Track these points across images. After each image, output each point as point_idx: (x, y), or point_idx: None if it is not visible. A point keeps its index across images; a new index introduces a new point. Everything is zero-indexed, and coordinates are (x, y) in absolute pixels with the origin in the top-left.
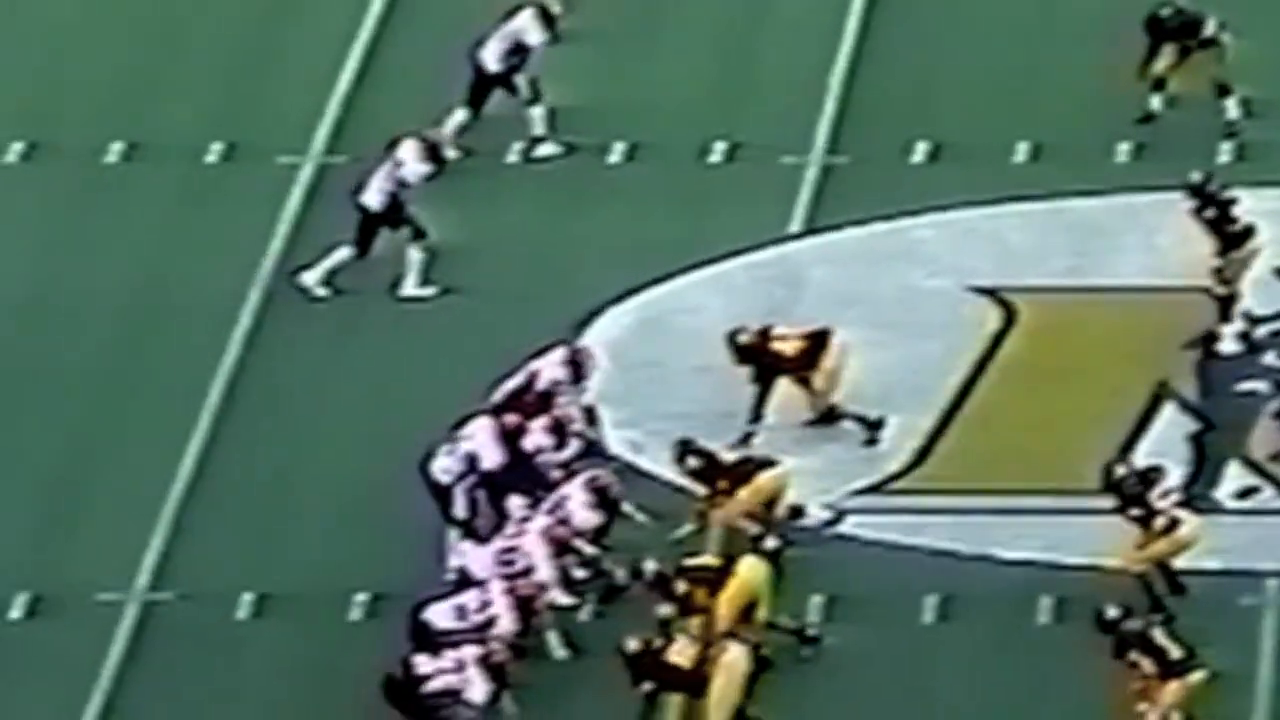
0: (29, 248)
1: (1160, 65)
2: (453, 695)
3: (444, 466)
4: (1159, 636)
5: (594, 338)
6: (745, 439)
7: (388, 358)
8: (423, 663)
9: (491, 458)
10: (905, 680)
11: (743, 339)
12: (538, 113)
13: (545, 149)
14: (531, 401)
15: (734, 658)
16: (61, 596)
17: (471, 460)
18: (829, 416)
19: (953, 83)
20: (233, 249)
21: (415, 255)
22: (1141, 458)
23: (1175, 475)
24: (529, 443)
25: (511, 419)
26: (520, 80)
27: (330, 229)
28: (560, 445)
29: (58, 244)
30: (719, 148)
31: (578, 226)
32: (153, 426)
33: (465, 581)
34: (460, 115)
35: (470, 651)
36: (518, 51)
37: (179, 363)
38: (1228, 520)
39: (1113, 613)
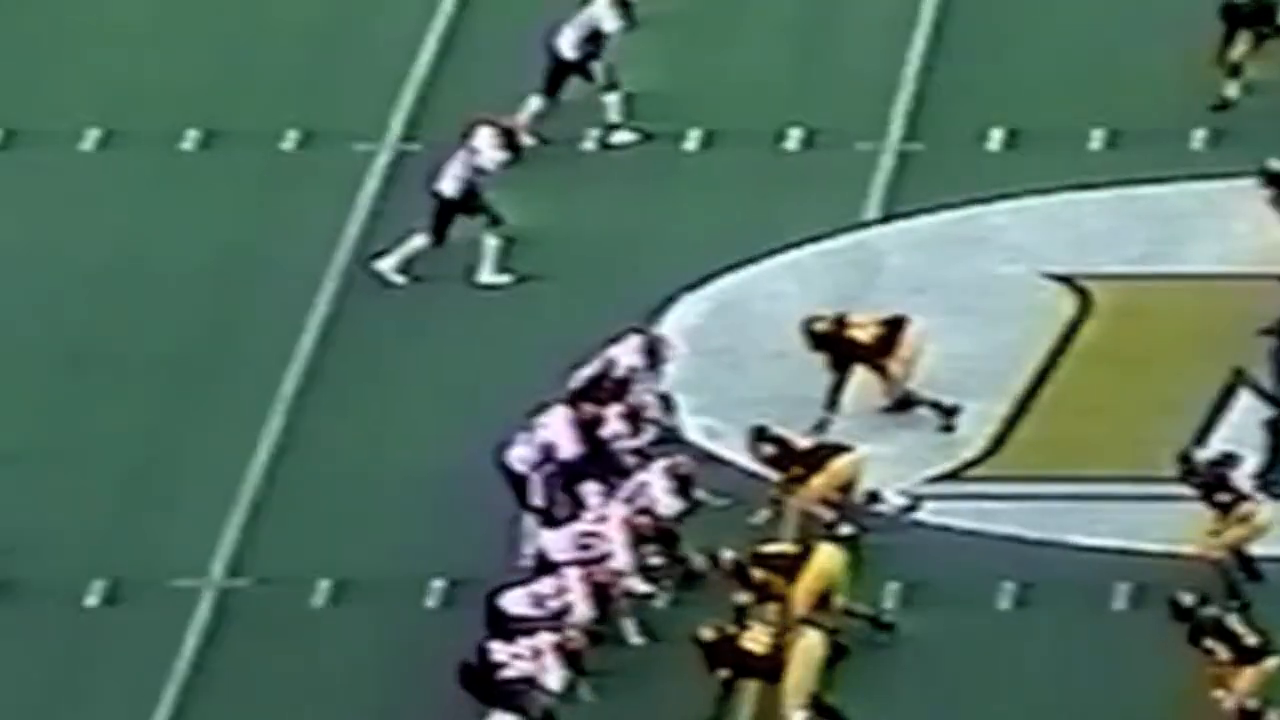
0: (106, 236)
1: (1236, 52)
2: (528, 682)
3: (520, 455)
4: (1234, 623)
5: (670, 325)
6: (821, 426)
7: (463, 345)
8: (498, 649)
9: (568, 446)
10: (981, 667)
11: (819, 327)
12: (614, 99)
13: (621, 136)
14: (608, 388)
15: (810, 644)
16: (139, 582)
17: (548, 449)
18: (905, 403)
19: (1029, 69)
20: (309, 236)
21: (491, 242)
22: (1217, 444)
23: (1251, 462)
24: (605, 430)
25: (588, 408)
26: (596, 67)
27: (406, 216)
28: (636, 432)
29: (134, 232)
30: (795, 134)
31: (654, 213)
32: (230, 413)
33: (542, 567)
34: (536, 103)
35: (546, 638)
36: (594, 38)
37: (255, 350)
38: None
39: (1187, 599)
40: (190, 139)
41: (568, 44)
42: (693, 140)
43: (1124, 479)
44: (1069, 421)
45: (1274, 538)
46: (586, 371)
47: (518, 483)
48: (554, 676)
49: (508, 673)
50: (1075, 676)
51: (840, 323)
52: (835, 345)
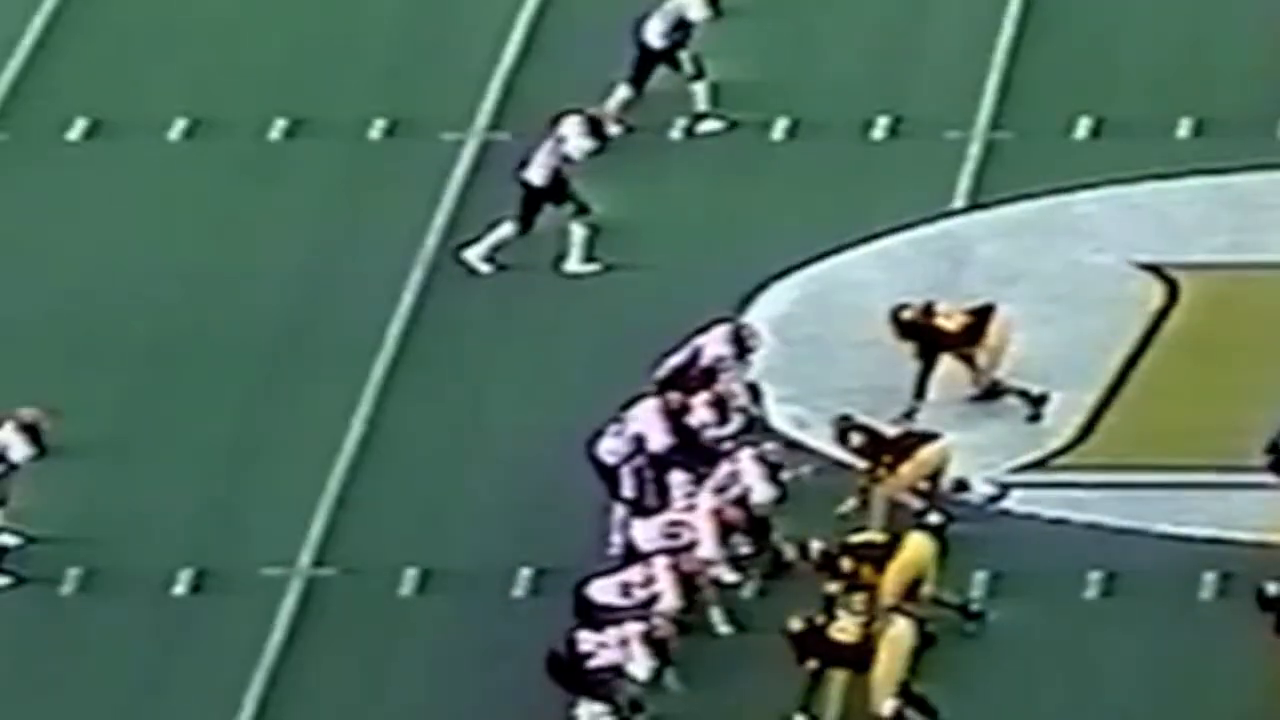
0: (194, 224)
1: None
2: (616, 671)
3: (610, 448)
4: None
5: (758, 313)
6: (909, 415)
7: (551, 333)
8: (586, 639)
9: (658, 438)
10: (1069, 656)
11: (906, 315)
12: (701, 89)
13: (708, 125)
14: (695, 377)
15: (899, 633)
16: (226, 571)
17: (638, 440)
18: (992, 392)
19: (1116, 58)
20: (397, 225)
21: (579, 231)
22: None
23: None
24: (693, 419)
25: (676, 397)
26: (683, 56)
27: (494, 205)
28: (723, 421)
29: (223, 221)
30: (882, 123)
31: (741, 202)
32: (317, 402)
33: (631, 556)
34: (624, 92)
35: (633, 627)
36: (681, 27)
37: (343, 339)
38: None
39: (1273, 589)
40: (277, 128)
41: (655, 33)
42: (780, 130)
43: (1212, 468)
44: (1156, 410)
45: None
46: (675, 360)
47: (608, 475)
48: (641, 666)
49: (595, 662)
50: (1162, 667)
51: (927, 311)
52: (922, 334)
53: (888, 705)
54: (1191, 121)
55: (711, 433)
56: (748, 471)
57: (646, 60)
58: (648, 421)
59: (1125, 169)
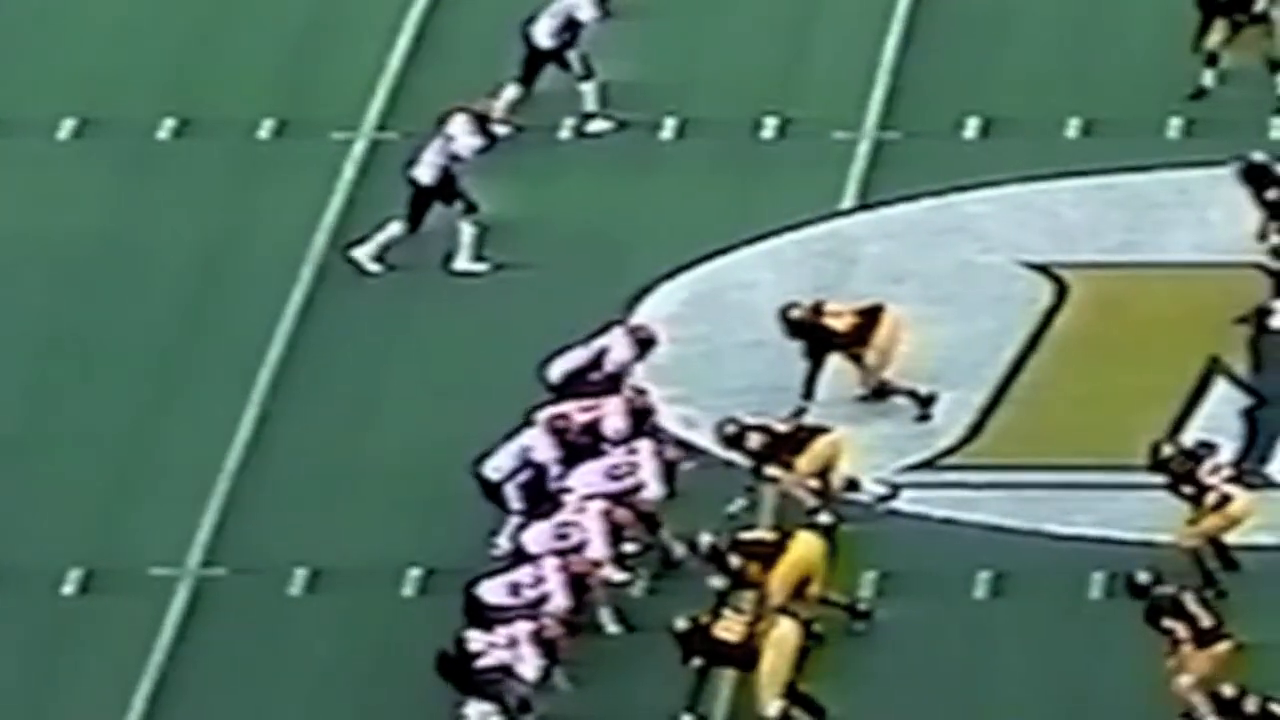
0: (81, 225)
1: (1212, 40)
2: (505, 671)
3: (496, 465)
4: (1190, 603)
5: (647, 313)
6: (797, 414)
7: (440, 333)
8: (475, 638)
9: (545, 451)
10: (958, 656)
11: (795, 314)
12: (590, 88)
13: (597, 125)
14: (598, 381)
15: (784, 633)
16: (115, 571)
17: (525, 454)
18: (881, 392)
19: (1004, 58)
20: (285, 224)
21: (467, 230)
22: (1194, 433)
23: (1227, 451)
24: (606, 427)
25: (560, 411)
26: (572, 56)
27: (383, 204)
28: (634, 424)
29: (110, 221)
30: (771, 123)
31: (630, 202)
32: (206, 402)
33: (520, 557)
34: (512, 91)
35: (523, 627)
36: (570, 27)
37: (232, 339)
38: None
39: (1144, 578)
40: (166, 128)
41: (544, 33)
42: (669, 129)
43: (1100, 468)
44: (1045, 410)
45: (1250, 527)
46: (572, 360)
47: (493, 492)
48: (530, 666)
49: (484, 661)
50: (1051, 665)
51: (817, 310)
52: (811, 333)
53: (773, 706)
54: (1080, 121)
55: (617, 434)
56: (645, 464)
57: (535, 60)
58: (534, 436)
59: (1014, 169)
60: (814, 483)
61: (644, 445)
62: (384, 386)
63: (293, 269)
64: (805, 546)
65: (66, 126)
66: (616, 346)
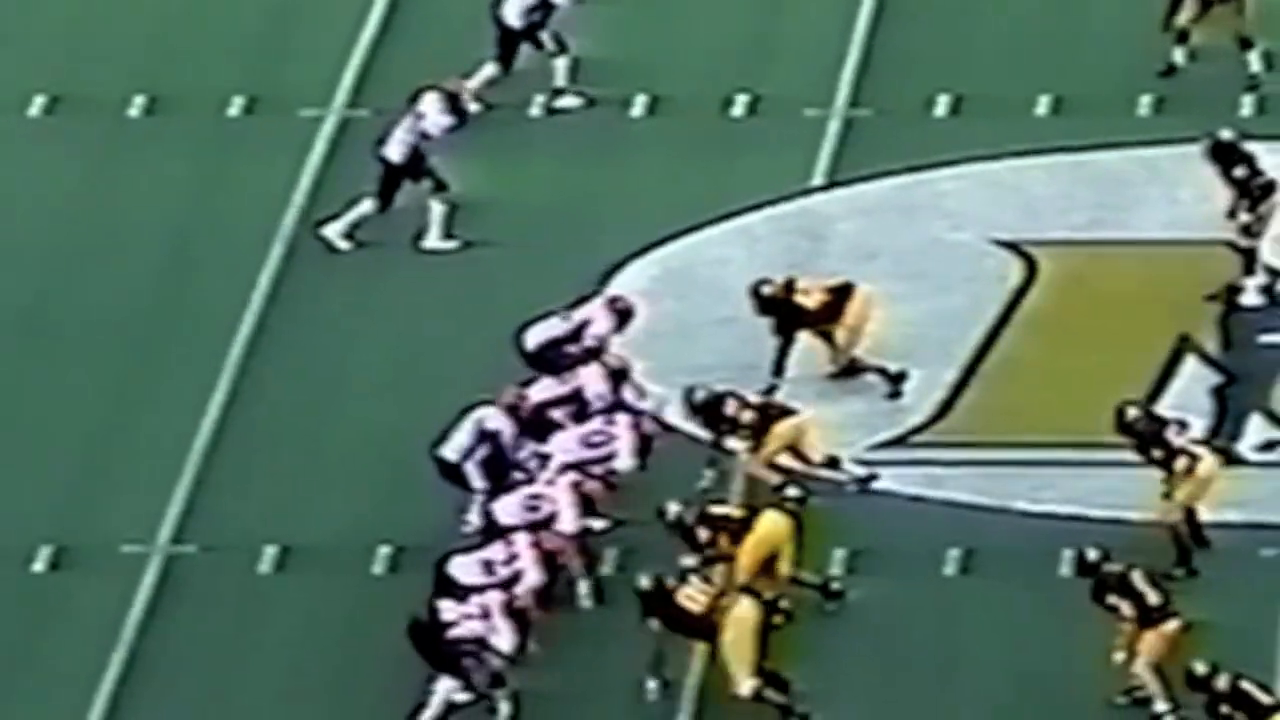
0: (52, 202)
1: (1183, 18)
2: (478, 643)
3: (454, 445)
4: (1138, 580)
5: (618, 290)
6: (768, 392)
7: (410, 310)
8: (448, 608)
9: (505, 428)
10: (928, 633)
11: (766, 291)
12: (561, 64)
13: (566, 101)
14: (576, 352)
15: (743, 612)
16: (85, 549)
17: (485, 434)
18: (851, 369)
19: (975, 35)
20: (255, 202)
21: (437, 208)
22: (1164, 411)
23: (1198, 428)
24: (589, 391)
25: (519, 396)
26: (544, 34)
27: (353, 182)
28: (614, 392)
29: (80, 198)
30: (741, 100)
31: (601, 180)
32: (175, 379)
33: (490, 531)
34: (490, 70)
35: (495, 597)
36: (541, 6)
37: (202, 316)
38: (1250, 473)
39: (1092, 555)
40: (136, 105)
41: (513, 12)
42: (639, 106)
43: (1070, 445)
44: (1015, 388)
45: (1219, 503)
46: (549, 331)
47: (452, 472)
48: (504, 638)
49: (457, 631)
50: (1021, 643)
51: (788, 287)
52: (781, 309)
53: (746, 685)
54: (1050, 99)
55: (600, 403)
56: (620, 436)
57: (508, 39)
58: (487, 411)
59: (984, 146)
60: (782, 459)
61: (622, 418)
62: (354, 363)
63: (263, 246)
64: (771, 524)
65: (36, 104)
66: (597, 320)
